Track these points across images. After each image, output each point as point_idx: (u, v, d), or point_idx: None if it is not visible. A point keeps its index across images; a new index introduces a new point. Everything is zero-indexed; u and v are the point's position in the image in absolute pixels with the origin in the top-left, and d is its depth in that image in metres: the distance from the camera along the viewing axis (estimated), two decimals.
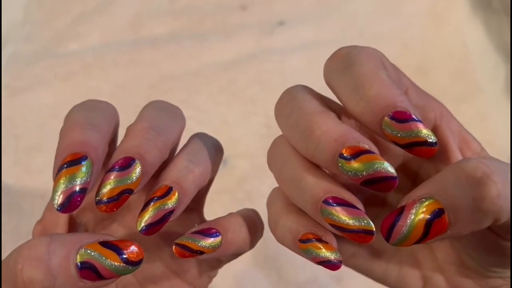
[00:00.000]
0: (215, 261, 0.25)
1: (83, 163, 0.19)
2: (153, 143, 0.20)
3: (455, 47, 0.62)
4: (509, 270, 0.22)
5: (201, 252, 0.21)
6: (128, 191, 0.20)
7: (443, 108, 0.22)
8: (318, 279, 0.47)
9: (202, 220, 0.26)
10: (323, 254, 0.20)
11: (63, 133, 0.20)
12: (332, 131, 0.19)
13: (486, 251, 0.21)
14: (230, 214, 0.23)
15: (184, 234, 0.22)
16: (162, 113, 0.22)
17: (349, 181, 0.19)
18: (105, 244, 0.18)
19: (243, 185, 0.50)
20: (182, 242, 0.21)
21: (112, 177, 0.19)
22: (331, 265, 0.20)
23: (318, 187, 0.19)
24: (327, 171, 0.21)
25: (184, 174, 0.21)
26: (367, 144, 0.19)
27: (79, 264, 0.18)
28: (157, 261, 0.25)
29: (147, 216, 0.20)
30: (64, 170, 0.19)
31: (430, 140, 0.18)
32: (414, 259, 0.25)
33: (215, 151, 0.24)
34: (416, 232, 0.18)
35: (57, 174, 0.19)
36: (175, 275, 0.25)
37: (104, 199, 0.19)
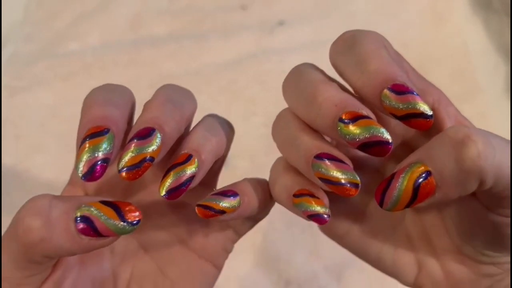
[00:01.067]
0: (232, 233, 0.25)
1: (105, 135, 0.20)
2: (170, 115, 0.21)
3: (455, 47, 0.62)
4: (502, 255, 0.22)
5: (223, 212, 0.22)
6: (150, 159, 0.20)
7: (441, 94, 0.23)
8: (318, 279, 0.47)
9: None
10: (313, 208, 0.21)
11: (84, 110, 0.21)
12: (333, 97, 0.20)
13: (478, 230, 0.22)
14: (245, 179, 0.24)
15: (197, 217, 0.23)
16: (177, 91, 0.23)
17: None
18: (105, 202, 0.19)
19: None
20: (205, 203, 0.22)
21: (133, 146, 0.20)
22: (319, 219, 0.21)
23: (311, 144, 0.21)
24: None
25: (202, 142, 0.22)
26: (365, 111, 0.20)
27: (78, 218, 0.18)
28: (174, 239, 0.25)
29: (169, 182, 0.21)
30: (87, 142, 0.19)
31: (426, 112, 0.19)
32: (410, 243, 0.25)
33: (228, 127, 0.25)
34: (406, 195, 0.19)
35: (80, 146, 0.19)
36: (192, 251, 0.25)
37: (126, 166, 0.20)
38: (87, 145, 0.19)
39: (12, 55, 0.63)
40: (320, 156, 0.20)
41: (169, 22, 0.66)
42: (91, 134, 0.19)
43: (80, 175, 0.19)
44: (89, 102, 0.21)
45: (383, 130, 0.19)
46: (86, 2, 0.68)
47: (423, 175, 0.19)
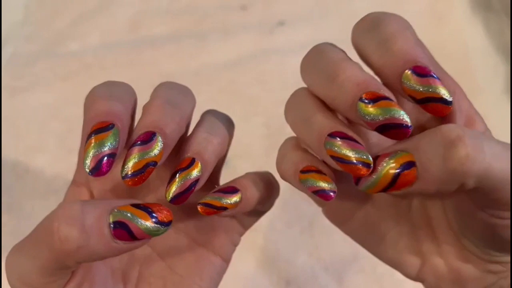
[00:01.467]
0: (239, 226, 0.26)
1: (110, 130, 0.20)
2: (170, 117, 0.21)
3: (455, 47, 0.62)
4: (502, 255, 0.22)
5: (224, 208, 0.22)
6: (153, 164, 0.20)
7: (457, 86, 0.22)
8: (318, 279, 0.47)
9: None
10: (318, 184, 0.21)
11: (88, 105, 0.21)
12: (356, 77, 0.20)
13: (473, 227, 0.22)
14: (247, 173, 0.24)
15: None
16: (175, 90, 0.23)
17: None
18: (136, 205, 0.19)
19: None
20: (206, 201, 0.22)
21: (135, 151, 0.20)
22: (324, 195, 0.21)
23: (325, 122, 0.20)
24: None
25: (204, 145, 0.22)
26: (387, 93, 0.19)
27: (112, 223, 0.19)
28: (181, 235, 0.25)
29: (175, 187, 0.21)
30: (93, 137, 0.20)
31: (446, 98, 0.19)
32: (414, 236, 0.25)
33: (228, 123, 0.25)
34: (384, 180, 0.19)
35: (86, 142, 0.20)
36: (200, 246, 0.25)
37: (130, 172, 0.20)
38: (93, 141, 0.20)
39: (12, 55, 0.63)
40: (333, 135, 0.20)
41: (169, 22, 0.66)
42: (97, 129, 0.20)
43: (88, 170, 0.19)
44: (92, 97, 0.21)
45: (403, 112, 0.19)
46: (86, 2, 0.68)
47: (407, 164, 0.19)
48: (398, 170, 0.19)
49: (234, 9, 0.67)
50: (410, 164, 0.19)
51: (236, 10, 0.67)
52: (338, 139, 0.20)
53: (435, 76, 0.19)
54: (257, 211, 0.25)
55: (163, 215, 0.20)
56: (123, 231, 0.19)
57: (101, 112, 0.20)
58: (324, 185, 0.21)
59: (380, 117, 0.19)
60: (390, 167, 0.19)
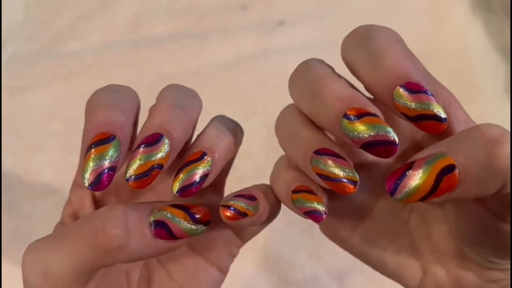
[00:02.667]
0: (238, 239, 0.25)
1: (111, 142, 0.19)
2: (178, 120, 0.21)
3: (455, 47, 0.62)
4: (508, 262, 0.22)
5: (245, 214, 0.21)
6: (158, 166, 0.20)
7: (451, 97, 0.22)
8: (318, 279, 0.47)
9: None
10: (310, 204, 0.20)
11: (88, 114, 0.20)
12: (340, 92, 0.19)
13: (485, 238, 0.21)
14: (258, 185, 0.24)
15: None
16: (182, 94, 0.23)
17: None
18: (176, 205, 0.20)
19: (243, 185, 0.50)
20: (228, 203, 0.21)
21: (141, 153, 0.20)
22: (316, 216, 0.20)
23: (311, 139, 0.20)
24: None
25: (216, 141, 0.22)
26: (372, 108, 0.19)
27: (153, 223, 0.19)
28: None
29: (182, 179, 0.21)
30: (93, 149, 0.19)
31: (440, 115, 0.18)
32: (414, 248, 0.24)
33: (239, 129, 0.25)
34: (425, 186, 0.18)
35: (86, 154, 0.19)
36: (199, 255, 0.25)
37: (135, 175, 0.19)
38: (93, 153, 0.19)
39: (12, 55, 0.63)
40: (319, 152, 0.20)
41: (169, 22, 0.66)
42: (97, 141, 0.19)
43: (87, 184, 0.19)
44: (93, 106, 0.21)
45: (389, 129, 0.18)
46: (86, 2, 0.68)
47: (447, 168, 0.17)
48: (439, 174, 0.18)
49: (234, 9, 0.67)
50: (450, 168, 0.17)
51: (236, 10, 0.67)
52: (324, 156, 0.19)
53: (428, 92, 0.18)
54: (263, 223, 0.25)
55: (202, 215, 0.20)
56: (163, 230, 0.19)
57: (102, 123, 0.19)
58: (315, 205, 0.20)
59: (365, 134, 0.18)
60: (430, 173, 0.18)
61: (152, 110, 0.21)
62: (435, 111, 0.18)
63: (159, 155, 0.20)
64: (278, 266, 0.47)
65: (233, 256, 0.26)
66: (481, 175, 0.17)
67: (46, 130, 0.57)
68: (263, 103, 0.58)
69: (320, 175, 0.20)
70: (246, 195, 0.22)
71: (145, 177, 0.19)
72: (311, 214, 0.20)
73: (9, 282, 0.45)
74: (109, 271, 0.23)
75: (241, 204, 0.21)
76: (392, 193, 0.18)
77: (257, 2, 0.67)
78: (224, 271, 0.26)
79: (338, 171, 0.19)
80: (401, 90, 0.18)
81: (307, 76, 0.21)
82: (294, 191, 0.21)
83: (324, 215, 0.20)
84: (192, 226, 0.20)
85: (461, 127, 0.21)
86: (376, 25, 0.21)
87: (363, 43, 0.20)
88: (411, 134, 0.23)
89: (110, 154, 0.19)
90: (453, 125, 0.21)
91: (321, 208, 0.20)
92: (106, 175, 0.19)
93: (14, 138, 0.56)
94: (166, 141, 0.20)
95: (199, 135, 0.23)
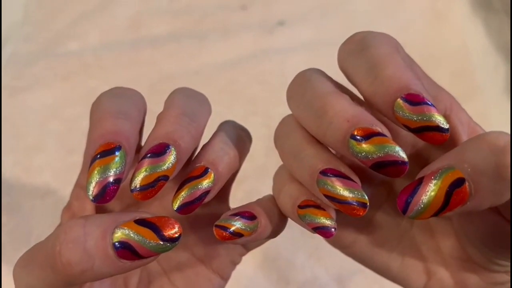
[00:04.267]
0: (241, 247, 0.25)
1: (116, 153, 0.18)
2: (186, 129, 0.20)
3: (455, 47, 0.62)
4: None
5: (240, 235, 0.21)
6: (164, 178, 0.19)
7: (453, 100, 0.21)
8: (318, 279, 0.47)
9: (228, 209, 0.26)
10: (318, 220, 0.20)
11: (94, 122, 0.20)
12: (345, 112, 0.18)
13: (491, 239, 0.21)
14: (261, 199, 0.23)
15: (210, 222, 0.22)
16: (192, 100, 0.22)
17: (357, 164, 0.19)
18: (141, 222, 0.18)
19: (243, 185, 0.50)
20: (223, 224, 0.21)
21: (146, 164, 0.19)
22: (325, 231, 0.20)
23: (317, 158, 0.19)
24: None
25: (220, 155, 0.21)
26: (380, 127, 0.18)
27: (116, 244, 0.17)
28: (182, 249, 0.25)
29: (183, 195, 0.20)
30: (97, 161, 0.18)
31: (442, 126, 0.18)
32: (418, 252, 0.24)
33: (247, 137, 0.24)
34: (436, 202, 0.17)
35: (90, 165, 0.18)
36: (200, 263, 0.25)
37: (140, 186, 0.19)
38: (98, 165, 0.18)
39: (12, 55, 0.63)
40: (325, 172, 0.19)
41: (169, 22, 0.66)
42: (102, 152, 0.18)
43: (91, 197, 0.18)
44: (99, 112, 0.20)
45: (398, 148, 0.18)
46: (86, 2, 0.68)
47: (456, 181, 0.17)
48: (449, 190, 0.17)
49: (234, 9, 0.67)
50: (460, 181, 0.17)
51: (236, 10, 0.67)
52: (332, 176, 0.19)
53: (429, 103, 0.18)
54: (268, 237, 0.24)
55: (171, 231, 0.18)
56: (127, 251, 0.18)
57: (107, 132, 0.19)
58: (323, 221, 0.20)
59: (374, 155, 0.18)
60: (440, 188, 0.17)
61: (160, 118, 0.21)
62: (437, 122, 0.18)
63: (165, 166, 0.19)
64: (278, 266, 0.47)
65: (235, 264, 0.25)
66: (491, 186, 0.17)
67: (46, 130, 0.57)
68: (263, 103, 0.58)
69: (328, 197, 0.19)
70: (245, 213, 0.21)
71: (151, 188, 0.19)
72: (320, 230, 0.20)
73: (9, 282, 0.45)
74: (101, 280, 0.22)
75: (237, 225, 0.21)
76: (404, 211, 0.18)
77: (257, 2, 0.67)
78: (225, 279, 0.25)
79: (346, 193, 0.19)
80: (401, 102, 0.18)
81: (307, 91, 0.20)
82: (300, 206, 0.20)
83: (334, 231, 0.20)
84: (160, 245, 0.18)
85: (464, 131, 0.21)
86: (374, 32, 0.20)
87: (361, 53, 0.19)
88: (413, 141, 0.22)
89: (115, 166, 0.18)
90: (456, 129, 0.21)
91: (330, 223, 0.20)
92: (111, 187, 0.18)
93: (14, 138, 0.56)
94: (173, 151, 0.19)
95: (204, 146, 0.22)
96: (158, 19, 0.66)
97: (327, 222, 0.20)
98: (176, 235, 0.18)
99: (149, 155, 0.19)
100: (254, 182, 0.50)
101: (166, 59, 0.62)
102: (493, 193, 0.17)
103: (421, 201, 0.18)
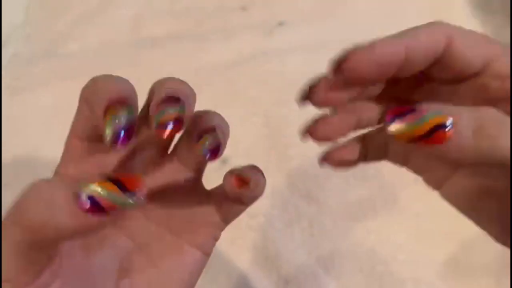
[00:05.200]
0: (220, 222, 0.25)
1: (126, 104, 0.20)
2: (190, 89, 0.21)
3: None
4: None
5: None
6: (178, 122, 0.20)
7: (453, 29, 0.21)
8: (318, 278, 0.47)
9: (203, 187, 0.27)
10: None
11: (93, 88, 0.20)
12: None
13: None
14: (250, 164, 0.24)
15: (186, 199, 0.23)
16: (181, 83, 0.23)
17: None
18: (106, 178, 0.18)
19: None
20: (239, 173, 0.22)
21: (165, 106, 0.20)
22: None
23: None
24: None
25: (219, 122, 0.23)
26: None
27: (80, 196, 0.18)
28: (165, 231, 0.25)
29: (206, 143, 0.21)
30: (110, 110, 0.19)
31: (443, 123, 0.20)
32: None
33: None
34: (419, 131, 0.19)
35: (104, 114, 0.19)
36: (180, 239, 0.25)
37: (162, 123, 0.20)
38: (111, 113, 0.19)
39: (13, 55, 0.63)
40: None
41: (169, 23, 0.66)
42: (112, 104, 0.19)
43: (109, 142, 0.19)
44: (97, 81, 0.21)
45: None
46: (87, 3, 0.68)
47: (443, 124, 0.19)
48: (434, 127, 0.19)
49: (234, 10, 0.67)
50: (446, 125, 0.19)
51: (236, 11, 0.67)
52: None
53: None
54: (240, 203, 0.25)
55: (132, 183, 0.18)
56: (90, 204, 0.18)
57: (113, 88, 0.20)
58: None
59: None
60: (427, 121, 0.19)
61: (160, 83, 0.22)
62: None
63: (182, 110, 0.20)
64: (277, 265, 0.47)
65: (216, 239, 0.26)
66: (471, 142, 0.19)
67: (46, 130, 0.57)
68: (263, 103, 0.58)
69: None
70: (253, 167, 0.23)
71: (175, 124, 0.20)
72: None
73: None
74: (68, 262, 0.22)
75: (249, 173, 0.22)
76: (388, 124, 0.20)
77: (257, 3, 0.67)
78: (207, 254, 0.26)
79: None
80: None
81: None
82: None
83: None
84: (124, 199, 0.18)
85: (474, 52, 0.21)
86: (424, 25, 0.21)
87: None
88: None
89: (128, 111, 0.19)
90: (463, 55, 0.20)
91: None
92: (128, 129, 0.19)
93: (14, 138, 0.56)
94: (185, 103, 0.20)
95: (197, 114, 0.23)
96: (158, 20, 0.66)
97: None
98: (136, 188, 0.18)
99: (163, 103, 0.20)
100: None
101: (166, 59, 0.62)
102: (473, 149, 0.19)
103: (407, 124, 0.20)
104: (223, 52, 0.63)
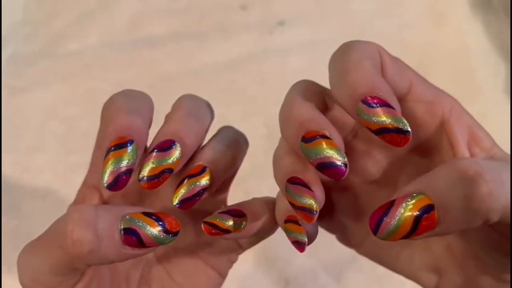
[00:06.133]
0: (237, 246, 0.26)
1: (129, 146, 0.20)
2: (191, 128, 0.22)
3: (455, 47, 0.62)
4: None
5: (228, 231, 0.22)
6: (168, 171, 0.21)
7: (454, 103, 0.22)
8: (318, 278, 0.47)
9: (226, 205, 0.27)
10: (293, 234, 0.22)
11: (107, 118, 0.21)
12: (300, 116, 0.20)
13: (496, 252, 0.21)
14: (254, 199, 0.24)
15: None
16: (197, 103, 0.24)
17: None
18: (147, 214, 0.20)
19: (242, 184, 0.50)
20: (211, 220, 0.22)
21: (154, 157, 0.21)
22: (297, 246, 0.22)
23: (288, 167, 0.21)
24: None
25: (218, 156, 0.23)
26: (330, 131, 0.19)
27: (122, 230, 0.19)
28: (182, 246, 0.26)
29: (182, 192, 0.22)
30: (112, 153, 0.20)
31: (401, 127, 0.18)
32: (429, 251, 0.24)
33: (243, 141, 0.26)
34: (404, 227, 0.18)
35: (105, 157, 0.20)
36: (199, 259, 0.26)
37: (147, 176, 0.21)
38: (112, 156, 0.20)
39: (12, 55, 0.63)
40: (291, 180, 0.20)
41: (169, 22, 0.66)
42: (116, 145, 0.20)
43: (105, 185, 0.20)
44: (112, 109, 0.21)
45: (336, 151, 0.19)
46: (86, 2, 0.68)
47: (426, 208, 0.17)
48: (417, 215, 0.17)
49: (234, 9, 0.67)
50: (429, 208, 0.17)
51: (236, 10, 0.67)
52: (293, 185, 0.20)
53: (388, 105, 0.18)
54: (259, 236, 0.25)
55: (171, 225, 0.20)
56: (132, 237, 0.19)
57: (121, 127, 0.20)
58: (297, 236, 0.22)
59: (314, 156, 0.19)
60: (408, 214, 0.18)
61: (168, 117, 0.22)
62: (396, 124, 0.18)
63: (171, 160, 0.21)
64: (277, 265, 0.47)
65: (232, 262, 0.26)
66: (461, 215, 0.17)
67: (46, 130, 0.57)
68: (263, 103, 0.58)
69: (290, 204, 0.21)
70: (234, 211, 0.23)
71: (156, 179, 0.21)
72: (295, 244, 0.22)
73: (9, 282, 0.45)
74: (105, 270, 0.23)
75: (224, 221, 0.22)
76: (375, 232, 0.18)
77: (257, 2, 0.67)
78: (223, 276, 0.26)
79: (304, 201, 0.20)
80: (362, 105, 0.19)
81: (284, 100, 0.22)
82: (285, 221, 0.22)
83: (304, 246, 0.22)
84: (161, 235, 0.20)
85: (464, 137, 0.21)
86: (357, 41, 0.21)
87: (338, 60, 0.20)
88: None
89: (128, 158, 0.20)
90: (455, 135, 0.21)
91: (301, 238, 0.21)
92: (123, 177, 0.20)
93: (14, 138, 0.56)
94: (179, 147, 0.21)
95: (202, 147, 0.23)
96: (158, 19, 0.66)
97: (299, 237, 0.21)
98: (176, 230, 0.20)
99: (156, 150, 0.21)
100: (254, 181, 0.50)
101: (166, 59, 0.62)
102: (461, 221, 0.17)
103: (391, 224, 0.18)
104: (223, 52, 0.63)
